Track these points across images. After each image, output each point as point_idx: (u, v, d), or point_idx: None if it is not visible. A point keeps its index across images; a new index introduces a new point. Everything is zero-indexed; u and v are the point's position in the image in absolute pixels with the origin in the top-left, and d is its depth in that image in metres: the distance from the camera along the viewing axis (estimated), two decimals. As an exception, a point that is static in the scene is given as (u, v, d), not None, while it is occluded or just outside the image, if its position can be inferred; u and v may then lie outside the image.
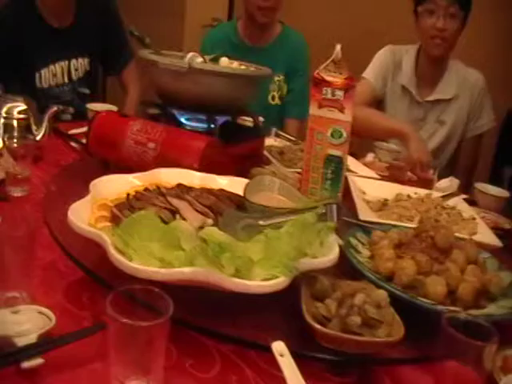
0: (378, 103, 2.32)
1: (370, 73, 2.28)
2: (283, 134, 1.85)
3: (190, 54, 1.39)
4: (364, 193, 1.44)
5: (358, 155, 1.81)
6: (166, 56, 1.45)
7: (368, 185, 1.49)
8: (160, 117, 1.42)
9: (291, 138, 1.82)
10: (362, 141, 2.07)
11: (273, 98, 2.37)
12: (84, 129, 1.79)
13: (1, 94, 1.57)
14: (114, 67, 2.44)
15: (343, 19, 3.50)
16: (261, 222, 0.89)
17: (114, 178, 1.06)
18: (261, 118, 1.72)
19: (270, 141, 1.69)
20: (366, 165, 1.77)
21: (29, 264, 0.86)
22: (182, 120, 1.40)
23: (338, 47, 1.14)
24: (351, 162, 1.65)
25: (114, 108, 1.93)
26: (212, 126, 1.35)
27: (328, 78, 1.13)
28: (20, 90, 1.87)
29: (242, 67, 1.50)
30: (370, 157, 1.92)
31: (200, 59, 1.41)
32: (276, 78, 2.34)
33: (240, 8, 2.61)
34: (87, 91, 2.31)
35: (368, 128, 2.03)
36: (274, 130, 1.86)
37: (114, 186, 1.03)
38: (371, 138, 2.07)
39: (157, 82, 1.39)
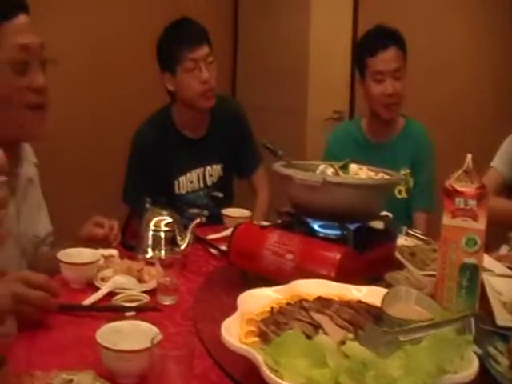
0: (510, 191, 2.28)
1: (498, 161, 2.26)
2: (413, 233, 1.87)
3: (322, 166, 1.49)
4: (500, 294, 1.41)
5: (490, 248, 1.78)
6: (298, 167, 1.55)
7: (504, 284, 1.46)
8: (293, 224, 1.50)
9: (422, 236, 1.83)
10: (494, 232, 2.03)
11: (399, 192, 2.39)
12: (220, 234, 1.93)
13: (149, 208, 1.73)
14: (245, 172, 2.59)
15: (459, 106, 3.53)
16: (401, 339, 0.92)
17: (257, 292, 1.14)
18: (389, 214, 1.75)
19: (400, 240, 1.72)
20: (499, 258, 1.73)
21: (187, 376, 0.95)
22: (315, 227, 1.48)
23: (469, 157, 1.19)
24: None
25: (247, 213, 2.05)
26: (344, 232, 1.41)
27: (460, 189, 1.17)
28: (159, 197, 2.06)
29: (371, 173, 1.56)
30: (504, 249, 1.88)
31: (331, 169, 1.49)
32: (402, 172, 2.37)
33: (361, 100, 2.69)
34: (220, 195, 2.47)
35: (496, 217, 1.99)
36: (404, 228, 1.88)
37: (257, 301, 1.11)
38: (502, 228, 2.02)
39: (291, 194, 1.48)
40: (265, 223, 1.78)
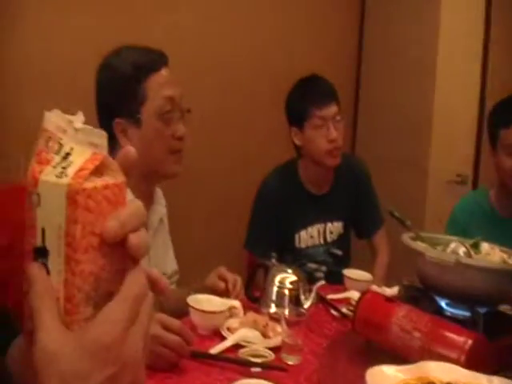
0: None
1: None
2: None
3: (453, 245, 1.49)
4: None
5: None
6: (427, 241, 1.56)
7: None
8: (419, 299, 1.51)
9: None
10: None
11: (525, 271, 2.30)
12: (341, 295, 1.95)
13: (275, 264, 1.79)
14: (366, 231, 2.60)
15: None
16: None
17: (385, 370, 1.15)
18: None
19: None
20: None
21: None
22: (442, 304, 1.47)
23: None
24: None
25: (368, 276, 2.06)
26: (474, 315, 1.40)
27: None
28: (280, 250, 2.12)
29: (504, 255, 1.54)
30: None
31: (463, 248, 1.49)
32: None
33: (486, 166, 2.61)
34: (340, 253, 2.48)
35: None
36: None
37: (386, 379, 1.12)
38: None
39: (420, 269, 1.49)
40: (387, 289, 1.80)
